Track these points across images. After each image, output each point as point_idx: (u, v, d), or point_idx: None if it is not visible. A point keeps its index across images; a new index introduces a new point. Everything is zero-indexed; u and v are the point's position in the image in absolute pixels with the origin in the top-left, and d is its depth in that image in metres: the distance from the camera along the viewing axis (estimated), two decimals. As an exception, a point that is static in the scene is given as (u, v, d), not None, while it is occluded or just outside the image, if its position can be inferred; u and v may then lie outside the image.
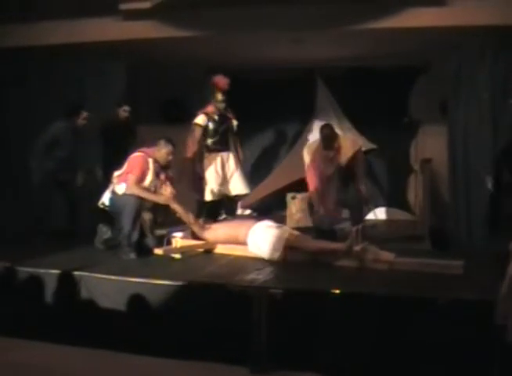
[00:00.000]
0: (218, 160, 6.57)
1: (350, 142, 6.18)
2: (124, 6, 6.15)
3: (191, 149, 6.47)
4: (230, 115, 6.69)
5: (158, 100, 8.27)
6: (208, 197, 6.52)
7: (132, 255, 5.12)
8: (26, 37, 6.50)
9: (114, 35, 6.38)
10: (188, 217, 5.43)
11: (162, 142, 5.41)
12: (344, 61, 7.69)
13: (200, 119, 6.49)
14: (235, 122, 6.71)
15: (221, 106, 6.54)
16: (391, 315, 3.70)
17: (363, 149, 6.41)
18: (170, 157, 5.42)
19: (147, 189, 5.27)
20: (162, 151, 5.38)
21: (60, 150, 6.10)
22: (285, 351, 3.81)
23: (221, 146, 6.61)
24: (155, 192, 5.36)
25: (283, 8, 5.88)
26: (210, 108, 6.54)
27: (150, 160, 5.33)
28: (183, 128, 6.83)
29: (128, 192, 5.16)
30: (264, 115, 8.26)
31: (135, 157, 5.35)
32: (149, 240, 5.42)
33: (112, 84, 6.93)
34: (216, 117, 6.55)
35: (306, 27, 6.08)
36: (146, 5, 6.06)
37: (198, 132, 6.48)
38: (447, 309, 3.57)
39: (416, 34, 6.02)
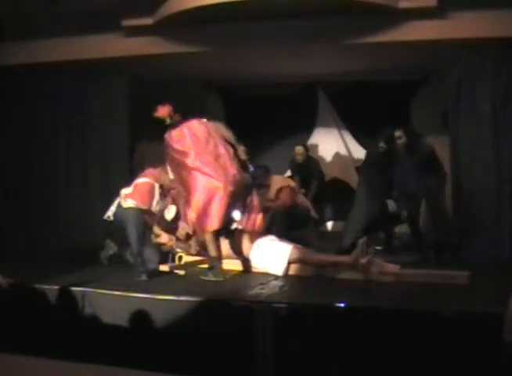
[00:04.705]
0: None
1: None
2: (126, 23, 6.19)
3: None
4: None
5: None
6: None
7: (144, 277, 4.85)
8: (28, 55, 6.52)
9: (116, 51, 6.41)
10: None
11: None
12: (345, 75, 7.72)
13: None
14: None
15: None
16: (397, 328, 3.67)
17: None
18: (173, 184, 5.35)
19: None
20: (168, 177, 5.30)
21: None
22: (289, 366, 3.76)
23: None
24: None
25: (283, 22, 5.90)
26: None
27: (156, 187, 5.27)
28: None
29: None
30: (264, 131, 8.19)
31: (144, 184, 5.24)
32: (150, 254, 5.16)
33: (113, 100, 6.95)
34: None
35: (306, 41, 6.10)
36: (148, 21, 6.10)
37: None
38: (454, 321, 3.55)
39: (416, 47, 6.04)
